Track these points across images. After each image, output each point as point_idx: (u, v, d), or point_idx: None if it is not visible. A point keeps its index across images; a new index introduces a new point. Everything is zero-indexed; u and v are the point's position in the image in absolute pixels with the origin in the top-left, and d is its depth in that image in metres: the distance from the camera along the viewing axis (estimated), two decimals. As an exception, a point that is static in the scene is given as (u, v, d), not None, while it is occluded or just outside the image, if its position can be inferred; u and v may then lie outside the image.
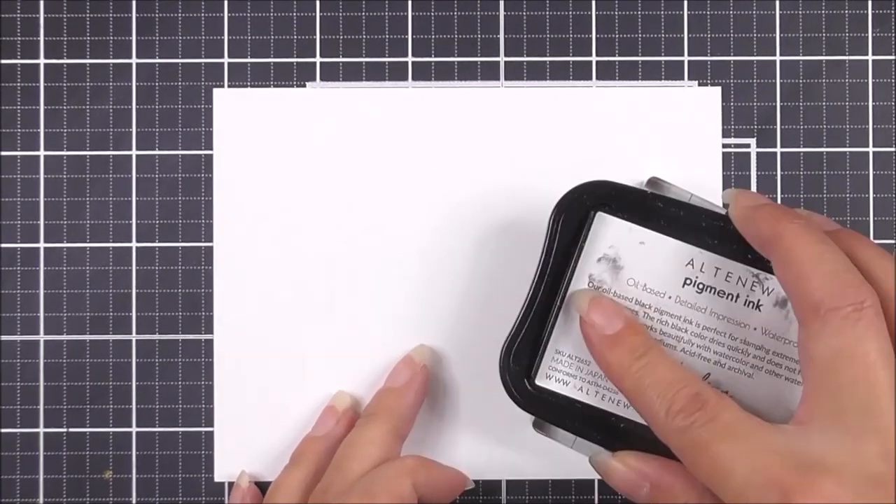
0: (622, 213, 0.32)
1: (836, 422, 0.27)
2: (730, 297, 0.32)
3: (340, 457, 0.35)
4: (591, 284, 0.32)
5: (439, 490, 0.35)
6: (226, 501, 0.38)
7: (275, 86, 0.39)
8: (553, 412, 0.33)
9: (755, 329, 0.32)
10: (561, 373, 0.33)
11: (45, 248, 0.39)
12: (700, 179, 0.38)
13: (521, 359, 0.33)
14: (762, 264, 0.32)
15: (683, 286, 0.32)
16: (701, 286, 0.32)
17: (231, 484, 0.38)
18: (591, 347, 0.32)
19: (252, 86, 0.39)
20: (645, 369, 0.30)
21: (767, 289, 0.32)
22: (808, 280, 0.28)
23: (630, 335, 0.31)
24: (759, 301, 0.32)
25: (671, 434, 0.29)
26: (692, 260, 0.32)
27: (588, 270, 0.32)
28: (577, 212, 0.32)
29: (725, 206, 0.32)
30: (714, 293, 0.32)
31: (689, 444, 0.28)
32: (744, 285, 0.32)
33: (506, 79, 0.39)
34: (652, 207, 0.32)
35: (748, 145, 0.39)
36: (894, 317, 0.28)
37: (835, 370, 0.27)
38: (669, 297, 0.32)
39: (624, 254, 0.32)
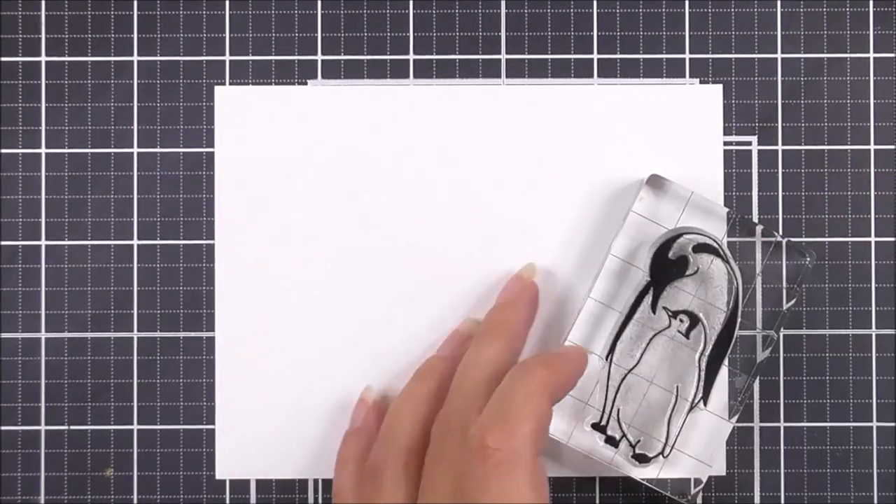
0: None
1: None
2: None
3: (461, 378, 0.34)
4: None
5: (569, 381, 0.34)
6: (347, 425, 0.38)
7: (276, 83, 0.39)
8: None
9: None
10: None
11: (47, 246, 0.39)
12: (701, 177, 0.38)
13: None
14: None
15: None
16: None
17: (232, 482, 0.38)
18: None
19: (253, 83, 0.39)
20: None
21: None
22: None
23: None
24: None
25: None
26: None
27: None
28: None
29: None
30: None
31: None
32: None
33: (507, 76, 0.39)
34: None
35: (749, 143, 0.39)
36: None
37: None
38: None
39: None
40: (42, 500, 0.39)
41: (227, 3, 0.39)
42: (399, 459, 0.34)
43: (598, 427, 0.36)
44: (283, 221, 0.38)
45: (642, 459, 0.36)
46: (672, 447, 0.36)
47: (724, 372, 0.37)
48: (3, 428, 0.39)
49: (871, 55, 0.39)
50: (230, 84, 0.39)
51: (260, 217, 0.38)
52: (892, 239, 0.39)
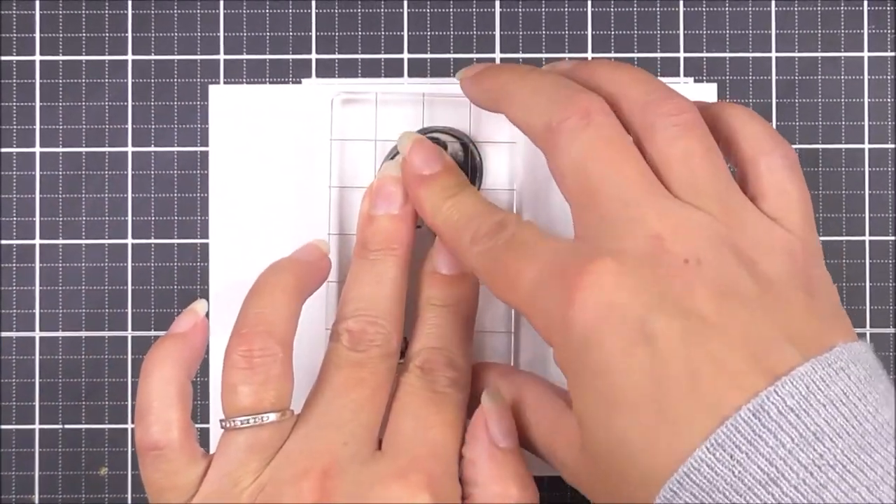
0: None
1: (602, 222, 0.29)
2: None
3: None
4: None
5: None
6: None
7: (270, 82, 0.39)
8: None
9: None
10: None
11: (41, 245, 0.39)
12: (696, 176, 0.38)
13: None
14: None
15: None
16: None
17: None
18: (408, 186, 0.34)
19: (248, 82, 0.39)
20: (455, 206, 0.33)
21: None
22: (531, 110, 0.31)
23: (444, 176, 0.34)
24: None
25: (475, 258, 0.31)
26: None
27: None
28: None
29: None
30: None
31: (488, 261, 0.31)
32: None
33: (502, 75, 0.39)
34: None
35: (744, 142, 0.39)
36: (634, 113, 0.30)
37: (582, 181, 0.29)
38: None
39: None
40: (36, 500, 0.39)
41: (222, 2, 0.39)
42: (280, 350, 0.32)
43: None
44: (277, 220, 0.38)
45: None
46: None
47: None
48: (-2, 427, 0.39)
49: (866, 54, 0.39)
50: (225, 83, 0.39)
51: (255, 216, 0.38)
52: (886, 238, 0.39)
